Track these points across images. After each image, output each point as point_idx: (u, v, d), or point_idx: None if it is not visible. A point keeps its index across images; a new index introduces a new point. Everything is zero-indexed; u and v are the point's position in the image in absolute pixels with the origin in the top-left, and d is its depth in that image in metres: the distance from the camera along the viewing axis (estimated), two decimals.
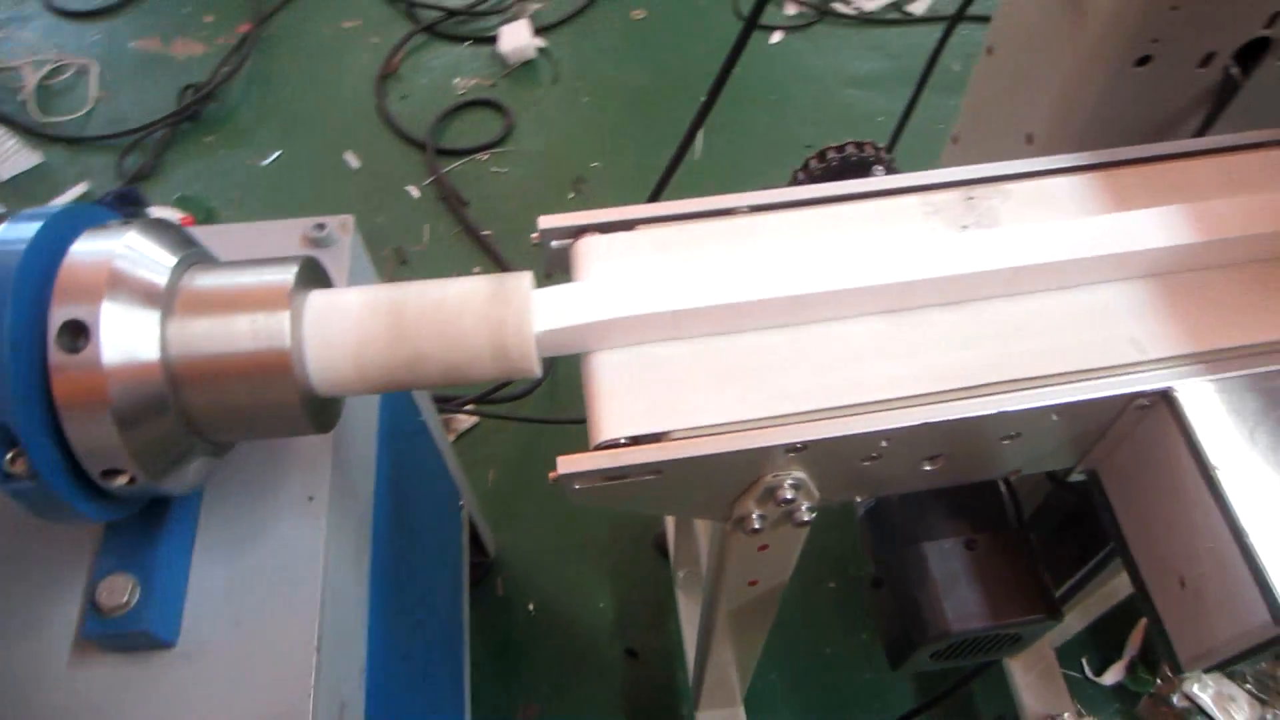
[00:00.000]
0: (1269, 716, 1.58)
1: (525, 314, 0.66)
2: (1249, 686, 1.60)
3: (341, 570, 0.79)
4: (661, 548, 1.72)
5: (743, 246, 0.75)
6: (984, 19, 1.16)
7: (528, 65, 2.35)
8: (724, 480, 0.70)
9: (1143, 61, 0.95)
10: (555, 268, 0.80)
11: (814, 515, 0.75)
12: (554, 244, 0.79)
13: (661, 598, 1.66)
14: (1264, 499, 0.62)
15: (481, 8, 2.45)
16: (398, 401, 1.07)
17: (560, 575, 1.69)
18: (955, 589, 0.77)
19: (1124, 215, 0.72)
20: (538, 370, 0.69)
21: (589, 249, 0.76)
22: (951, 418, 0.66)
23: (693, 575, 1.60)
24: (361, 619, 0.85)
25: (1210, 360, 0.68)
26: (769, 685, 1.60)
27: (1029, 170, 0.80)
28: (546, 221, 0.77)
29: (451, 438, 1.84)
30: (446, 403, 1.81)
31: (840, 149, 0.84)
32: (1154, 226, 0.72)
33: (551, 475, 0.65)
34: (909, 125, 1.35)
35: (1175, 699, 1.60)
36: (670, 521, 1.64)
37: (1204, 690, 1.60)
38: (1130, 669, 1.61)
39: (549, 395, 1.85)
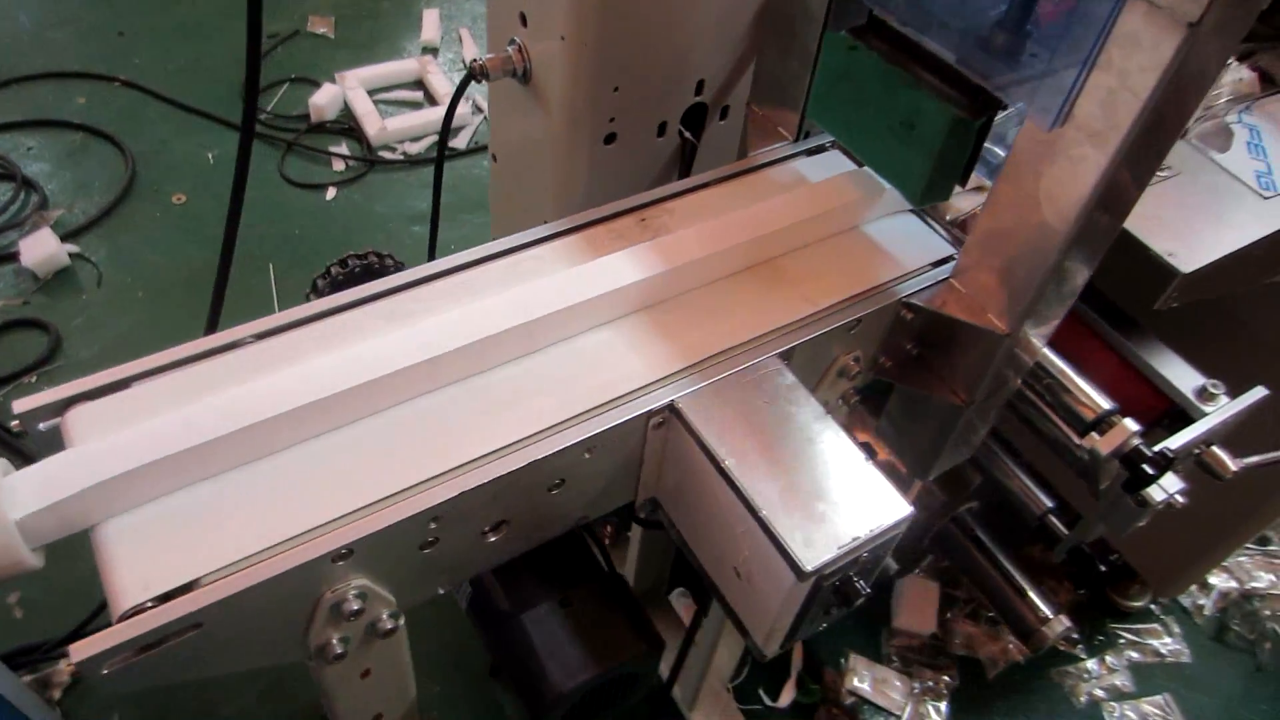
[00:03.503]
0: (917, 686, 1.76)
1: None
2: (895, 666, 1.78)
3: None
4: None
5: (248, 376, 0.72)
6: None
7: (63, 274, 2.16)
8: (282, 612, 0.65)
9: (610, 139, 1.08)
10: (50, 451, 0.72)
11: (399, 621, 0.73)
12: (41, 426, 0.71)
13: None
14: (764, 476, 0.70)
15: None
16: None
17: None
18: (558, 650, 0.77)
19: (598, 261, 0.80)
20: (34, 561, 0.61)
21: (80, 419, 0.70)
22: (485, 481, 0.67)
23: None
24: None
25: (701, 369, 0.77)
26: None
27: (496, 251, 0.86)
28: (24, 404, 0.70)
29: (56, 694, 1.56)
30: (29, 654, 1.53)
31: (348, 260, 0.85)
32: (627, 266, 0.80)
33: (66, 666, 0.57)
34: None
35: (844, 699, 1.73)
36: None
37: (863, 681, 1.76)
38: (799, 684, 1.73)
39: None
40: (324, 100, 2.53)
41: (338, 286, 0.87)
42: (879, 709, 1.73)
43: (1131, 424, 0.97)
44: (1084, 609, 1.91)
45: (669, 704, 1.53)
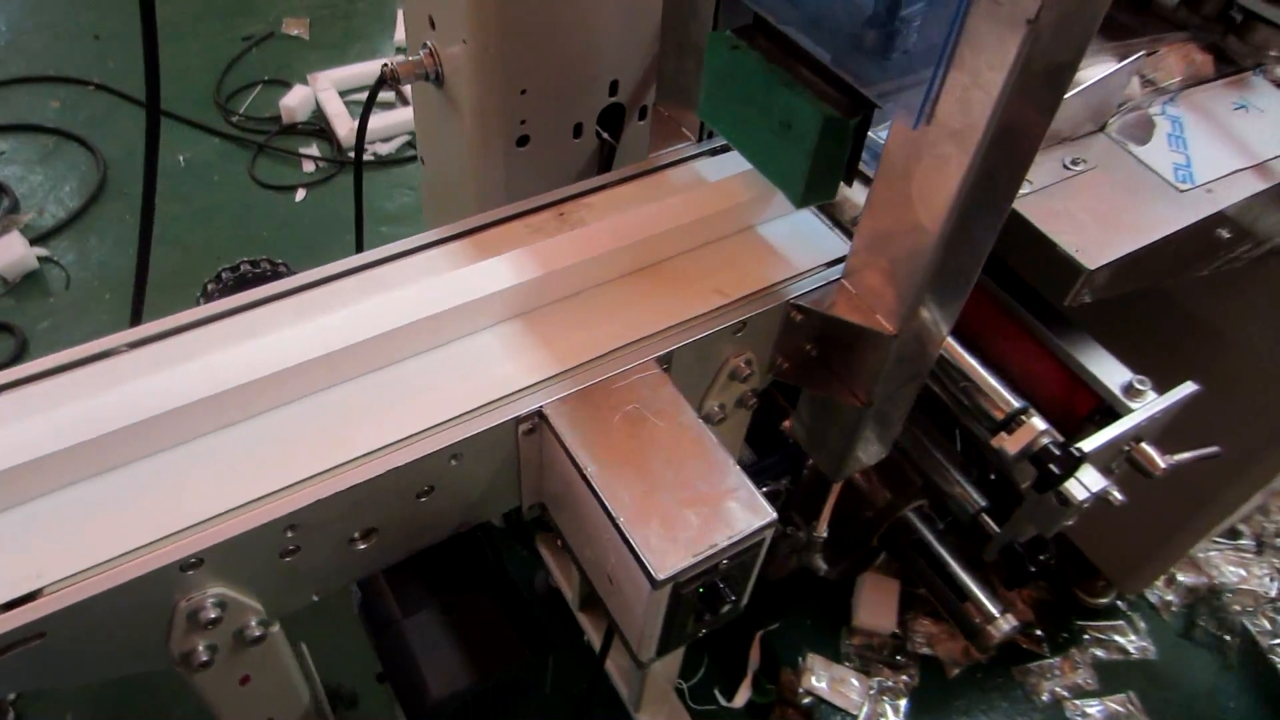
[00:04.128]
0: (875, 685, 1.75)
1: None
2: (854, 665, 1.77)
3: None
4: None
5: (114, 384, 0.72)
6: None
7: (31, 277, 2.17)
8: (135, 620, 0.65)
9: (523, 142, 1.07)
10: None
11: (270, 628, 0.73)
12: None
13: None
14: (627, 483, 0.69)
15: None
16: None
17: None
18: (437, 658, 0.77)
19: (479, 265, 0.80)
20: None
21: None
22: (342, 489, 0.67)
23: None
24: None
25: (574, 374, 0.76)
26: None
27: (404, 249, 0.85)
28: None
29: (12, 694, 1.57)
30: None
31: (238, 268, 0.85)
32: (508, 270, 0.79)
33: None
34: None
35: (800, 699, 1.73)
36: None
37: (820, 681, 1.75)
38: (755, 683, 1.72)
39: None
40: (295, 102, 2.53)
41: (227, 291, 0.87)
42: (836, 709, 1.72)
43: (1039, 423, 0.96)
44: (1050, 606, 1.89)
45: (617, 705, 1.53)
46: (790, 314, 0.85)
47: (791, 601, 1.82)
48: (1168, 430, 1.02)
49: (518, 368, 0.76)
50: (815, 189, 0.80)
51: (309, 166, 2.46)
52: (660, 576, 0.65)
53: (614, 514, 0.68)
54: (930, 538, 1.54)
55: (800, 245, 0.89)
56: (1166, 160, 1.05)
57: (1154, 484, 1.01)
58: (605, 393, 0.75)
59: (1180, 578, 1.96)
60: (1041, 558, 1.21)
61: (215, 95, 2.62)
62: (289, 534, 0.67)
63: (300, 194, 2.37)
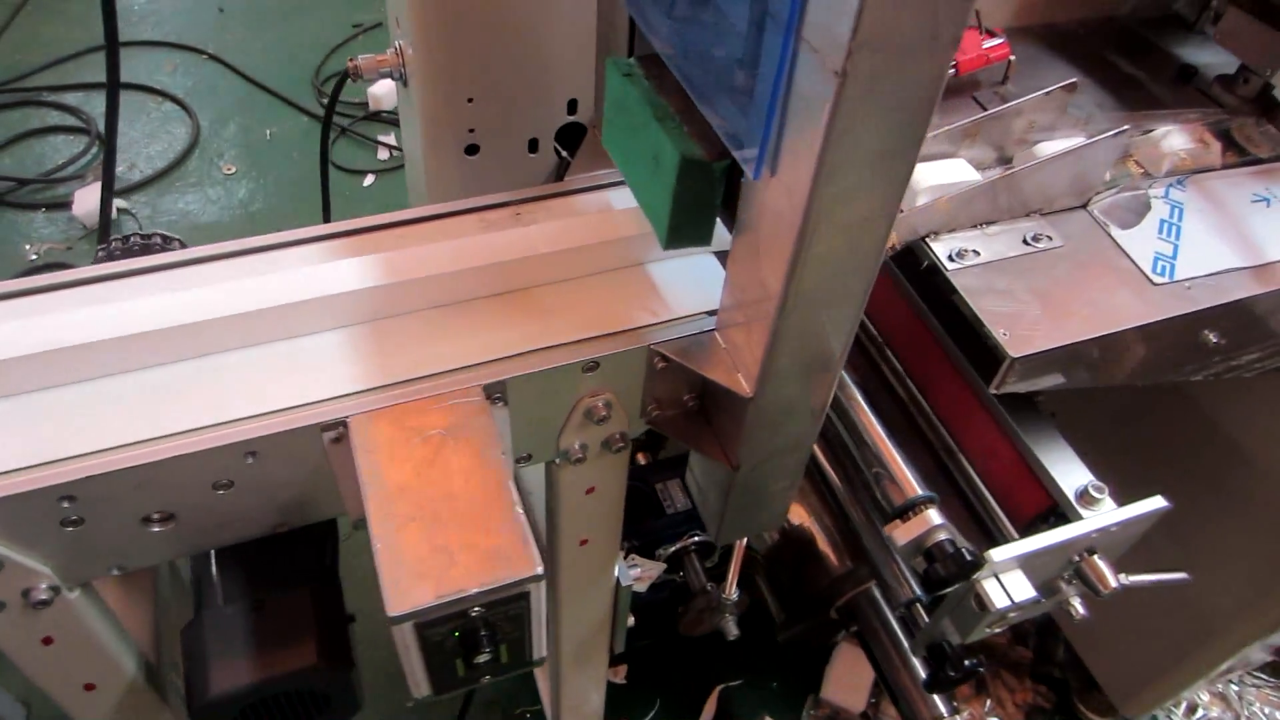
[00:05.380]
0: None
1: None
2: None
3: None
4: None
5: None
6: None
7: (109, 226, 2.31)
8: None
9: (472, 150, 1.06)
10: None
11: (63, 593, 0.73)
12: None
13: None
14: (402, 513, 0.67)
15: (60, 174, 2.40)
16: None
17: None
18: (226, 654, 0.76)
19: (337, 263, 0.78)
20: None
21: None
22: (118, 469, 0.67)
23: None
24: None
25: (394, 390, 0.74)
26: None
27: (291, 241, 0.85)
28: None
29: None
30: None
31: (128, 239, 0.87)
32: (364, 273, 0.78)
33: None
34: None
35: None
36: None
37: None
38: None
39: None
40: (381, 91, 2.61)
41: (112, 260, 0.88)
42: None
43: (936, 516, 0.87)
44: (1046, 715, 1.75)
45: None
46: (653, 360, 0.80)
47: (760, 659, 1.74)
48: (1157, 546, 0.92)
49: (340, 374, 0.74)
50: (682, 232, 0.75)
51: (383, 154, 2.53)
52: (393, 613, 0.61)
53: (374, 539, 0.65)
54: (891, 618, 1.44)
55: (689, 289, 0.84)
56: (1148, 248, 0.94)
57: (1158, 605, 0.91)
58: (417, 414, 0.72)
59: (1202, 710, 1.78)
60: (968, 663, 1.11)
61: (314, 77, 2.73)
62: (65, 504, 0.67)
63: (369, 179, 2.44)
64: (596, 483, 0.91)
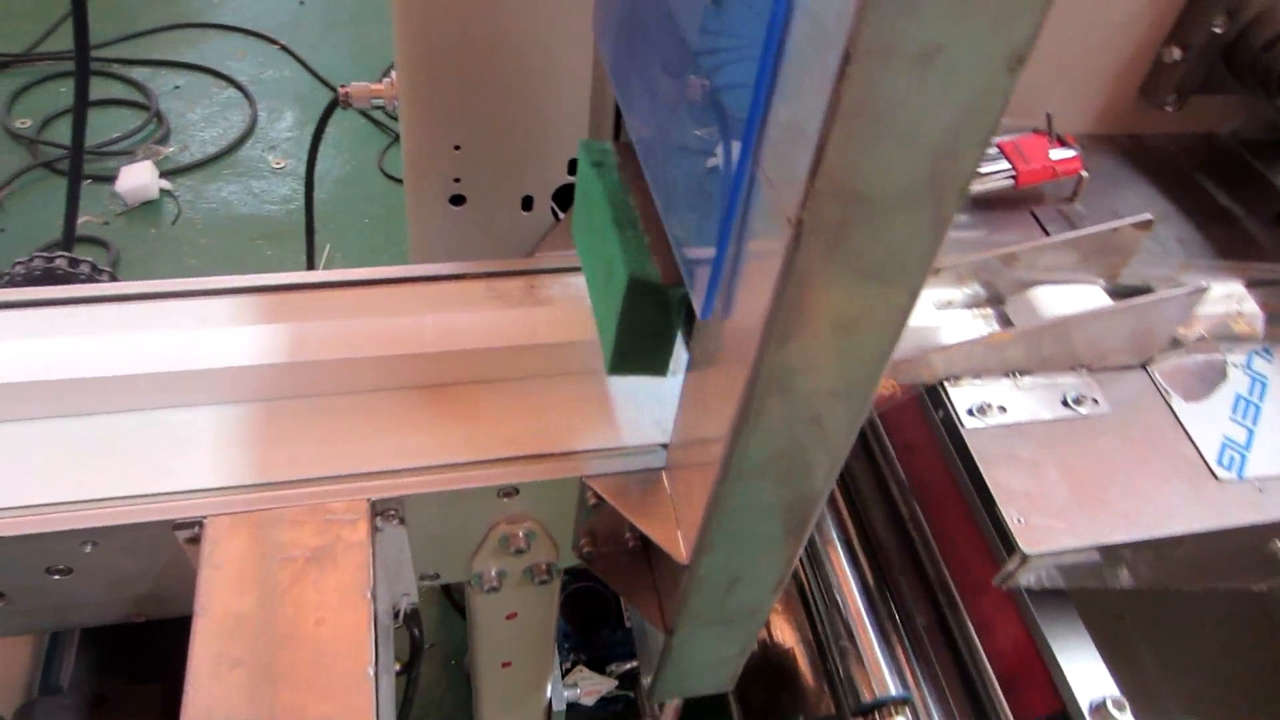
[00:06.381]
0: None
1: None
2: None
3: None
4: None
5: None
6: None
7: (150, 205, 2.27)
8: None
9: (458, 201, 0.96)
10: None
11: None
12: None
13: None
14: (223, 649, 0.55)
15: (113, 148, 2.38)
16: None
17: None
18: None
19: (218, 331, 0.68)
20: None
21: None
22: None
23: None
24: None
25: (265, 490, 0.62)
26: None
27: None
28: None
29: None
30: None
31: (53, 259, 0.78)
32: (260, 345, 0.67)
33: None
34: None
35: None
36: None
37: None
38: None
39: None
40: None
41: (30, 279, 0.80)
42: None
43: None
44: None
45: None
46: (586, 493, 0.67)
47: None
48: None
49: (209, 462, 0.63)
50: (630, 359, 0.62)
51: None
52: None
53: (188, 674, 0.54)
54: None
55: (646, 411, 0.71)
56: (1216, 431, 0.79)
57: None
58: (287, 525, 0.61)
59: None
60: None
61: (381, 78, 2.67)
62: None
63: None
64: (519, 610, 0.79)
